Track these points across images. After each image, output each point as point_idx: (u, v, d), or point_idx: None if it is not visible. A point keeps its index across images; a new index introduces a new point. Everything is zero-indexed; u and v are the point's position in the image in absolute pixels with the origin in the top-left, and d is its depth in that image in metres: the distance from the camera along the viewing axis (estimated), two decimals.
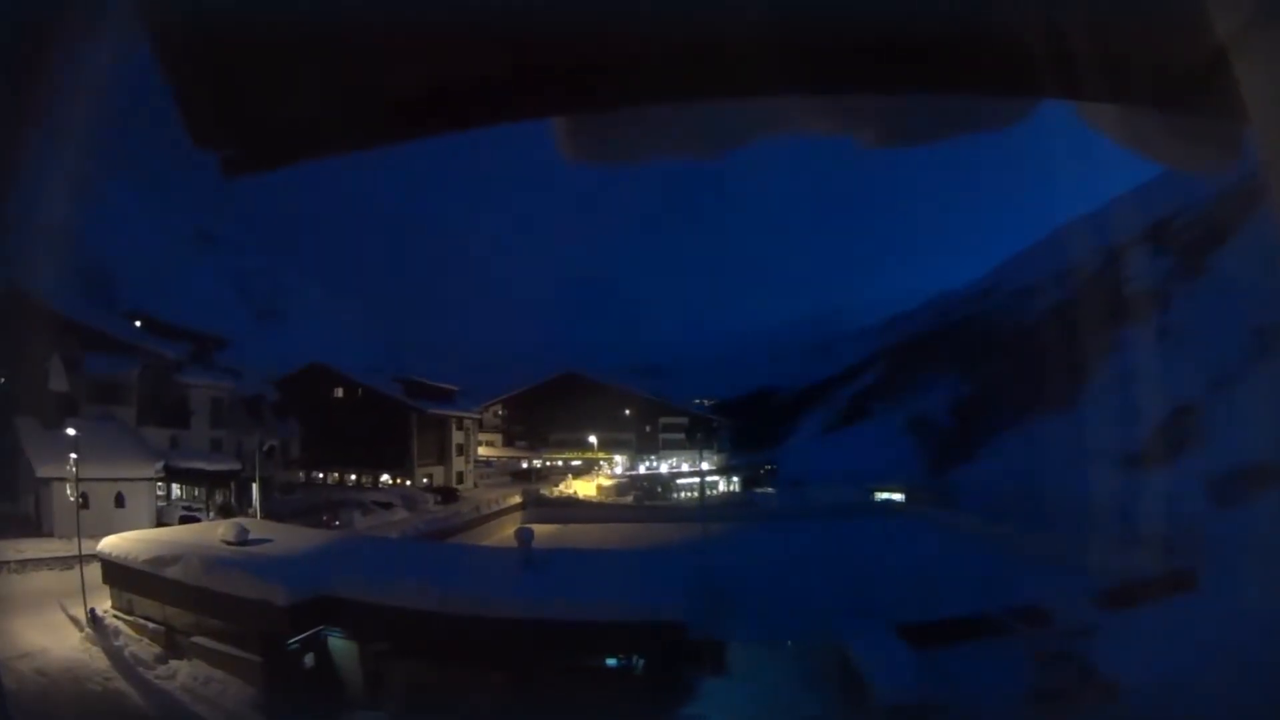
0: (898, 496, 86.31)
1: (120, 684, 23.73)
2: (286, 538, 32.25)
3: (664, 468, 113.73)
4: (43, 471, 37.52)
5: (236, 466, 50.26)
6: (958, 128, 3.21)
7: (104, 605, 28.80)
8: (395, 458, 78.02)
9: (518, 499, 73.25)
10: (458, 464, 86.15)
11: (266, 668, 23.99)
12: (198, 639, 25.61)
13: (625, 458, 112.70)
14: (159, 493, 43.79)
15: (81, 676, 23.78)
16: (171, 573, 26.41)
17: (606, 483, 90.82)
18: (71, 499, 33.53)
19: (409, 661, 24.06)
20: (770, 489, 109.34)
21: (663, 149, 3.30)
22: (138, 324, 59.86)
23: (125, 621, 27.94)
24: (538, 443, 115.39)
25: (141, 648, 26.44)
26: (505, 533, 56.12)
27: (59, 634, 26.70)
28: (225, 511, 46.30)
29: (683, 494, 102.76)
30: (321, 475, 77.45)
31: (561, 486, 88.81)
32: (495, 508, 67.12)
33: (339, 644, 25.65)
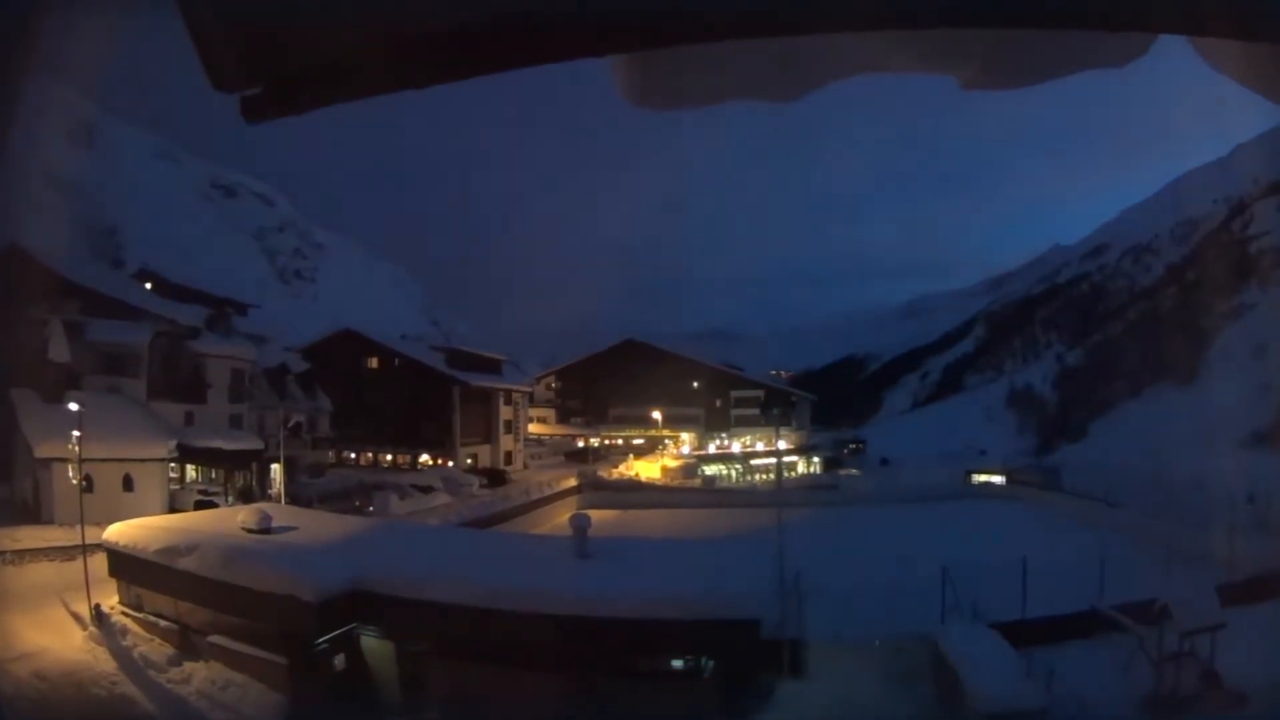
0: (997, 479, 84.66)
1: (128, 688, 23.75)
2: (314, 525, 32.26)
3: (736, 446, 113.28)
4: (41, 451, 37.91)
5: (259, 445, 50.62)
6: (1067, 66, 3.11)
7: (110, 601, 28.99)
8: (436, 435, 78.54)
9: (573, 482, 73.36)
10: (505, 443, 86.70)
11: (292, 670, 23.83)
12: (215, 638, 25.54)
13: (693, 435, 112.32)
14: (172, 475, 44.21)
15: (85, 680, 23.82)
16: (185, 564, 26.37)
17: (672, 463, 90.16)
18: (74, 482, 33.76)
19: (451, 663, 23.79)
20: (855, 470, 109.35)
21: (733, 91, 3.20)
22: (148, 286, 60.44)
23: (133, 619, 28.08)
24: (595, 419, 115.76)
25: (152, 648, 26.53)
26: (559, 520, 56.14)
27: (60, 633, 26.88)
28: (246, 496, 46.66)
29: (757, 476, 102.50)
30: (354, 455, 78.33)
31: (622, 468, 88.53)
32: (547, 491, 67.25)
33: (373, 644, 25.49)
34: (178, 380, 49.94)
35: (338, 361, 77.99)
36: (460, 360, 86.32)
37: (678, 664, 23.32)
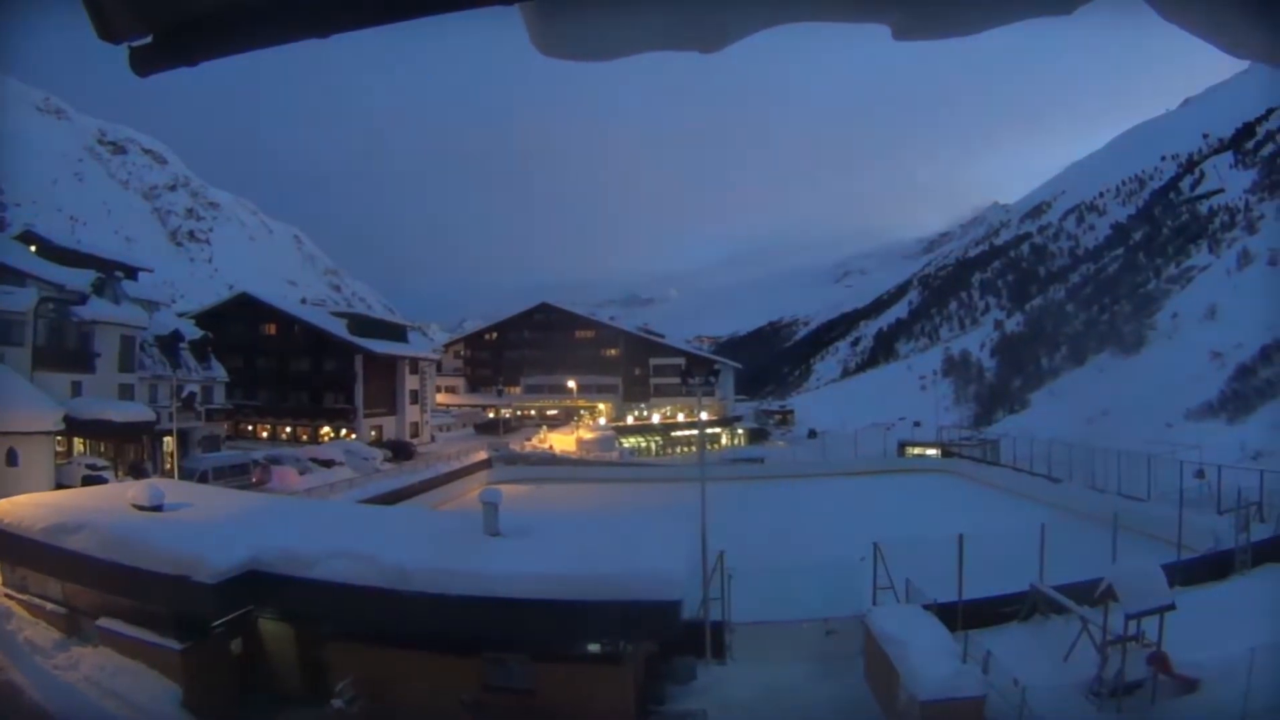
0: (932, 452, 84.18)
1: (13, 675, 23.37)
2: (209, 502, 31.84)
3: (656, 417, 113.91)
4: None
5: (150, 417, 49.80)
6: (1008, 13, 3.01)
7: None
8: (338, 406, 77.99)
9: (483, 455, 73.23)
10: (412, 414, 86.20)
11: (186, 655, 23.56)
12: (105, 622, 25.20)
13: (610, 406, 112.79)
14: (58, 449, 43.39)
15: None
16: (73, 544, 25.92)
17: (588, 435, 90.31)
18: None
19: (355, 647, 23.71)
20: (782, 442, 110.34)
21: (649, 40, 3.12)
22: (32, 249, 58.88)
23: (18, 602, 27.69)
24: (507, 389, 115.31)
25: (37, 633, 26.17)
26: (468, 495, 56.24)
27: None
28: (136, 471, 46.03)
29: (678, 448, 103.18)
30: (251, 427, 77.40)
31: (535, 440, 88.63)
32: (456, 465, 67.13)
33: (272, 627, 25.39)
34: (64, 348, 48.83)
35: (234, 328, 76.89)
36: (363, 326, 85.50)
37: (594, 648, 23.06)
